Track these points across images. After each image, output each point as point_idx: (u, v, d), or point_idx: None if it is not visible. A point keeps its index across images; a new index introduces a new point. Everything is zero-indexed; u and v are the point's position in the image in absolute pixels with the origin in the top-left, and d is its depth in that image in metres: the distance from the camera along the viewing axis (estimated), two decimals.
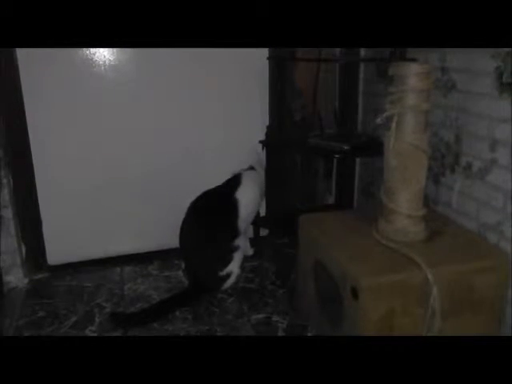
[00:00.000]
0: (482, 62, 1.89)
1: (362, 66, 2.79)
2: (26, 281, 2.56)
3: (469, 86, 1.99)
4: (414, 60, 2.16)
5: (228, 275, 2.40)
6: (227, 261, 2.38)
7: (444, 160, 2.17)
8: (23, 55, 2.34)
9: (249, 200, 2.51)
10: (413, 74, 1.77)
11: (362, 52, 2.66)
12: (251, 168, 2.64)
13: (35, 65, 2.36)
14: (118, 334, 2.12)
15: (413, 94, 1.79)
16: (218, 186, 2.52)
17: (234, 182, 2.54)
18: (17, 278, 2.53)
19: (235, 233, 2.44)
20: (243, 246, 2.46)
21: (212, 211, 2.43)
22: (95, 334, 2.13)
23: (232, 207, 2.45)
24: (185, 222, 2.42)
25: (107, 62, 2.50)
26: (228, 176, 2.59)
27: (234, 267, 2.41)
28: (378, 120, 1.88)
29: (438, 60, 2.12)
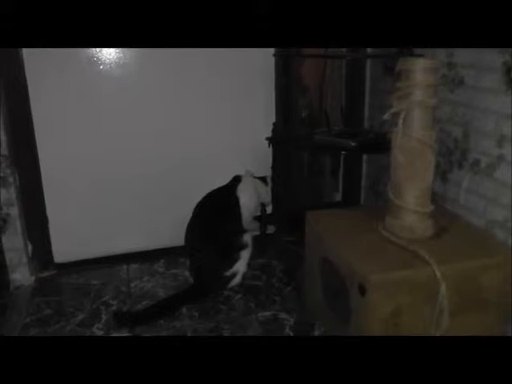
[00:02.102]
0: (490, 57, 1.87)
1: (368, 63, 2.78)
2: (32, 279, 2.56)
3: (476, 81, 1.98)
4: (420, 56, 2.15)
5: (234, 274, 2.40)
6: (233, 260, 2.38)
7: (451, 156, 2.16)
8: (29, 54, 2.34)
9: (248, 196, 2.51)
10: (420, 70, 1.77)
11: (369, 48, 2.64)
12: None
13: (41, 63, 2.36)
14: (124, 331, 2.12)
15: (420, 89, 1.78)
16: (220, 187, 2.53)
17: (235, 181, 2.56)
18: (23, 276, 2.53)
19: (241, 230, 2.43)
20: (251, 244, 2.44)
21: (216, 211, 2.43)
22: (102, 332, 2.13)
23: (234, 204, 2.45)
24: (190, 222, 2.43)
25: (113, 61, 2.50)
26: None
27: (240, 266, 2.40)
28: (385, 116, 1.88)
29: (445, 55, 2.11)
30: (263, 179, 2.69)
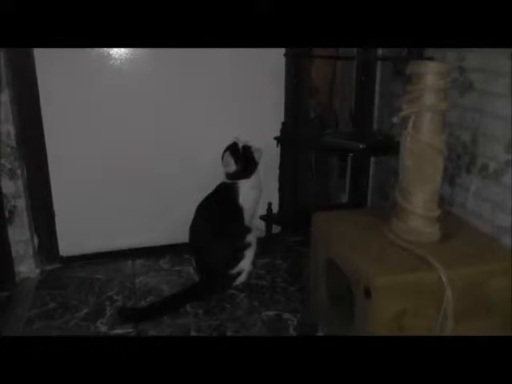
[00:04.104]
0: (500, 61, 1.87)
1: (379, 65, 2.77)
2: (37, 271, 2.57)
3: (486, 85, 1.98)
4: (431, 59, 2.15)
5: (239, 273, 2.41)
6: (238, 259, 2.39)
7: (460, 161, 2.15)
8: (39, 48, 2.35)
9: (250, 199, 2.51)
10: (431, 73, 1.76)
11: (380, 50, 2.64)
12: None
13: (51, 57, 2.36)
14: (128, 327, 2.13)
15: (430, 93, 1.78)
16: (218, 191, 2.52)
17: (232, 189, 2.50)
18: (29, 269, 2.54)
19: (245, 229, 2.45)
20: (255, 243, 2.45)
21: (219, 210, 2.45)
22: (106, 327, 2.13)
23: (236, 206, 2.46)
24: (194, 222, 2.44)
25: (123, 56, 2.51)
26: None
27: (245, 265, 2.42)
28: (395, 119, 1.87)
29: (456, 59, 2.10)
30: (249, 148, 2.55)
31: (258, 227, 2.64)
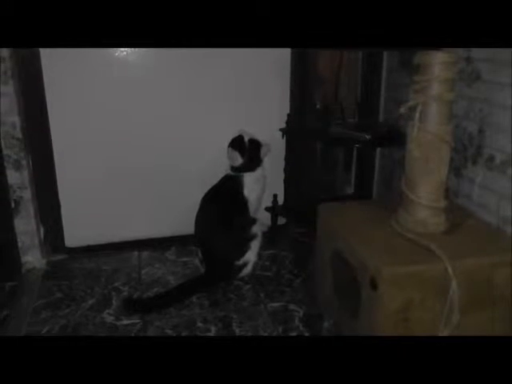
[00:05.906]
0: (508, 51, 1.85)
1: (385, 55, 2.76)
2: (43, 262, 2.58)
3: (494, 76, 1.96)
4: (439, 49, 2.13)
5: (245, 264, 2.41)
6: (244, 250, 2.40)
7: (466, 152, 2.14)
8: None
9: (255, 193, 2.50)
10: (438, 63, 1.75)
11: None
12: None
13: (57, 52, 2.35)
14: (134, 318, 2.14)
15: (437, 83, 1.77)
16: (223, 183, 2.51)
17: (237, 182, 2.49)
18: (35, 259, 2.55)
19: (251, 220, 2.45)
20: (260, 234, 2.45)
21: (225, 202, 2.44)
22: (112, 318, 2.14)
23: (241, 198, 2.46)
24: (199, 214, 2.45)
25: (128, 51, 2.51)
26: None
27: (251, 256, 2.42)
28: (402, 110, 1.86)
29: (464, 49, 2.09)
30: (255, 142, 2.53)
31: (261, 222, 2.64)
